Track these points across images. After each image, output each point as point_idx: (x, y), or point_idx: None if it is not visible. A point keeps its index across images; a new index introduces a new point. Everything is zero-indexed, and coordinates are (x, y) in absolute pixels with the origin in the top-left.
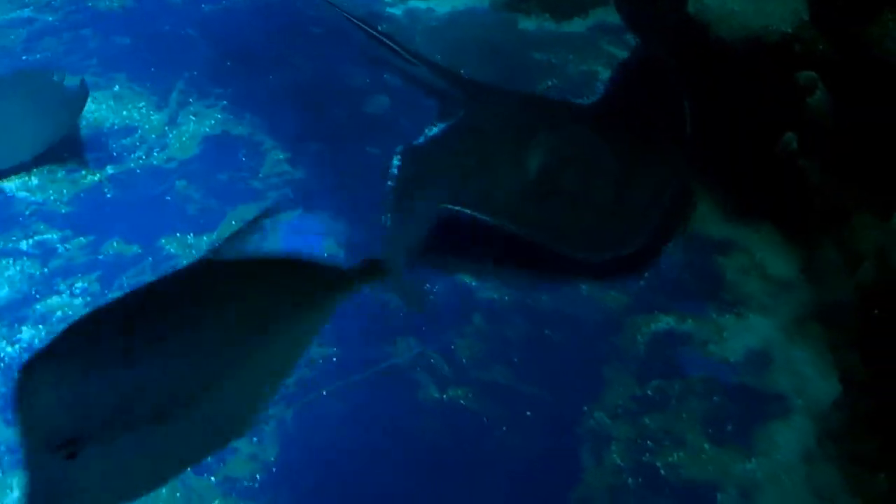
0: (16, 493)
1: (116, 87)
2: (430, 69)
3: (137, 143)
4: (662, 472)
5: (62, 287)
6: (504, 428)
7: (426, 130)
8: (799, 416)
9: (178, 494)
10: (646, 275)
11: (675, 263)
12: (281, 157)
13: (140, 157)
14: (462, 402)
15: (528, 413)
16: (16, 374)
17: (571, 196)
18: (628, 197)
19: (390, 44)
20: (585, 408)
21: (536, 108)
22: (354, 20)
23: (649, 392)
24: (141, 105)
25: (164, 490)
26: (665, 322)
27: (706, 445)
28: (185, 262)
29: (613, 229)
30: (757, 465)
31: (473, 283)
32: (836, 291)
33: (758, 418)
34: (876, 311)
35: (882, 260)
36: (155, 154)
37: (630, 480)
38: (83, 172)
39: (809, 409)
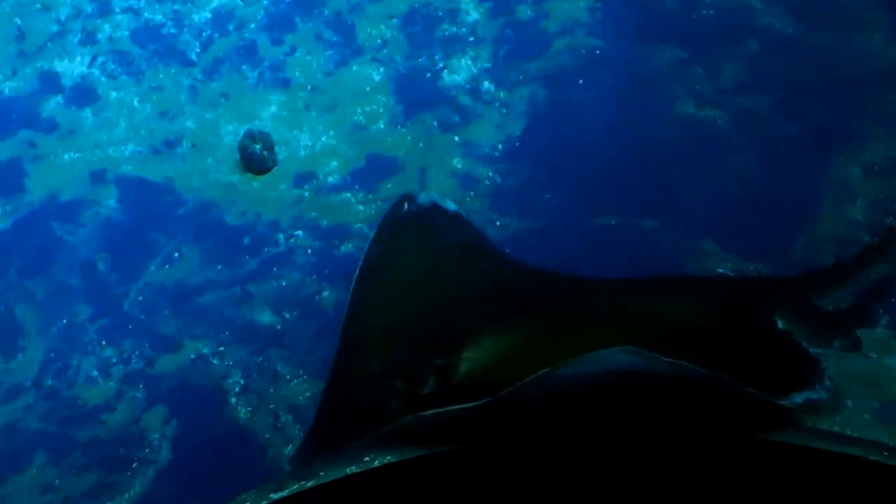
0: None
1: None
2: None
3: None
4: None
5: None
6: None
7: None
8: None
9: (420, 144)
10: None
11: None
12: None
13: None
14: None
15: (781, 149)
16: None
17: None
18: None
19: None
20: (842, 158)
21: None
22: None
23: None
24: None
25: (407, 136)
26: None
27: None
28: None
29: None
30: None
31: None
32: None
33: None
34: None
35: None
36: None
37: (866, 238)
38: None
39: None
